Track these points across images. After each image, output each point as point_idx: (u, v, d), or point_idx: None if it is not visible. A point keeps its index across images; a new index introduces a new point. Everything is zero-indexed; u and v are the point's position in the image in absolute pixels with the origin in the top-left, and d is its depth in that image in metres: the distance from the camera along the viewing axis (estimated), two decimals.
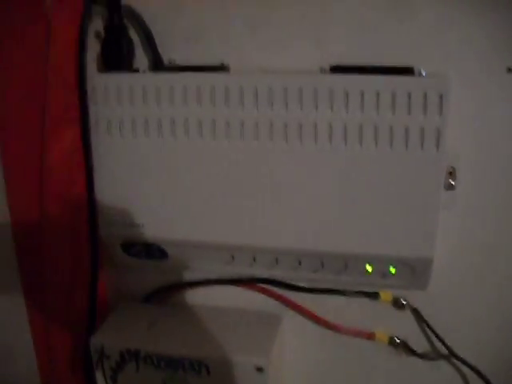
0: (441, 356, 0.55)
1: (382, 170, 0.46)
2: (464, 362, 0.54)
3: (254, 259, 0.52)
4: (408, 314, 0.55)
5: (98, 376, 0.56)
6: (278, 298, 0.56)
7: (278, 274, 0.53)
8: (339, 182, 0.48)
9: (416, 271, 0.50)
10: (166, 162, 0.50)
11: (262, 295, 0.57)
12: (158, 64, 0.51)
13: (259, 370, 0.51)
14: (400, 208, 0.47)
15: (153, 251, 0.55)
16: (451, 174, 0.49)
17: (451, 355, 0.54)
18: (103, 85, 0.50)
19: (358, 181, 0.47)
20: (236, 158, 0.49)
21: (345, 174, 0.47)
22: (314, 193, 0.48)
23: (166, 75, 0.49)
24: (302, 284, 0.55)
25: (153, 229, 0.53)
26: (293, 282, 0.55)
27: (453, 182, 0.50)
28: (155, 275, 0.59)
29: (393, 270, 0.50)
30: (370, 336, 0.56)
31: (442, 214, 0.48)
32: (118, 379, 0.56)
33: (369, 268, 0.50)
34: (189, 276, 0.58)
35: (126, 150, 0.51)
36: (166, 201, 0.52)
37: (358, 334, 0.56)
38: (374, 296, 0.54)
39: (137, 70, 0.52)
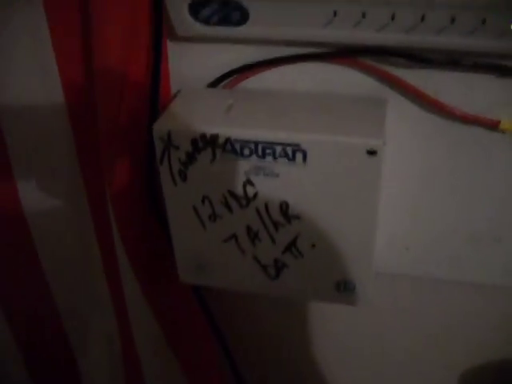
0: None
1: None
2: None
3: (364, 15, 0.40)
4: None
5: (163, 171, 0.46)
6: (380, 74, 0.45)
7: (389, 37, 0.41)
8: None
9: None
10: None
11: (362, 75, 0.46)
12: None
13: (372, 153, 0.41)
14: None
15: (230, 12, 0.43)
16: None
17: None
18: None
19: None
20: None
21: None
22: None
23: None
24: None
25: None
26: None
27: None
28: (229, 53, 0.47)
29: None
30: (494, 124, 0.45)
31: None
32: (188, 174, 0.45)
33: None
34: (271, 54, 0.46)
35: None
36: None
37: (479, 120, 0.45)
38: (505, 71, 0.42)
39: None
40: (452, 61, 0.43)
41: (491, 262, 0.52)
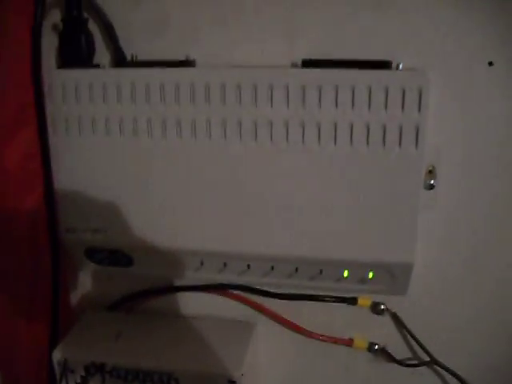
0: (422, 362, 0.53)
1: (358, 170, 0.44)
2: (446, 369, 0.52)
3: (225, 265, 0.50)
4: (387, 319, 0.53)
5: None
6: (251, 304, 0.54)
7: (249, 280, 0.51)
8: (312, 183, 0.45)
9: (395, 276, 0.47)
10: (128, 162, 0.47)
11: (234, 302, 0.54)
12: (119, 59, 0.48)
13: (232, 383, 0.48)
14: (377, 210, 0.45)
15: (118, 258, 0.52)
16: (431, 172, 0.47)
17: (432, 362, 0.52)
18: (61, 82, 0.47)
19: (333, 181, 0.44)
20: (200, 158, 0.46)
21: (318, 174, 0.45)
22: (286, 195, 0.45)
23: (128, 71, 0.47)
24: (275, 290, 0.52)
25: (118, 234, 0.50)
26: (266, 289, 0.52)
27: (433, 182, 0.47)
28: (122, 282, 0.56)
29: (371, 275, 0.47)
30: (349, 342, 0.54)
31: (422, 215, 0.45)
32: None
33: (345, 273, 0.48)
34: (157, 283, 0.55)
35: (86, 151, 0.48)
36: (131, 204, 0.48)
37: (336, 340, 0.53)
38: (351, 301, 0.51)
39: (97, 66, 0.48)
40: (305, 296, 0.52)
41: None
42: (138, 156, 0.47)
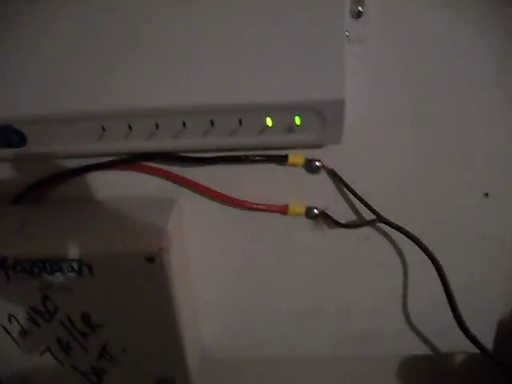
0: (366, 222, 0.47)
1: None
2: (393, 225, 0.47)
3: (130, 128, 0.42)
4: (324, 177, 0.46)
5: None
6: (168, 176, 0.46)
7: (159, 144, 0.43)
8: (224, 18, 0.38)
9: (326, 119, 0.41)
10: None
11: (148, 176, 0.47)
12: None
13: (150, 260, 0.42)
14: (298, 43, 0.38)
15: (9, 137, 0.44)
16: None
17: (378, 219, 0.47)
18: None
19: (247, 15, 0.38)
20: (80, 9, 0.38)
21: (232, 7, 0.37)
22: (195, 33, 0.38)
23: None
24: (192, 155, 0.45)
25: (4, 105, 0.42)
26: (180, 154, 0.45)
27: (361, 8, 0.40)
28: (22, 169, 0.48)
29: (298, 121, 0.41)
30: (283, 209, 0.48)
31: (351, 48, 0.39)
32: None
33: (269, 121, 0.41)
34: (61, 167, 0.47)
35: None
36: (14, 68, 0.40)
37: (269, 208, 0.47)
38: (281, 160, 0.45)
39: None
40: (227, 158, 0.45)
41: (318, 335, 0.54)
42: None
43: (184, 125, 0.41)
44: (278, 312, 0.53)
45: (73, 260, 0.43)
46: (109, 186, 0.48)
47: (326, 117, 0.41)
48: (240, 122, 0.41)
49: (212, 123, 0.41)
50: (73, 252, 0.43)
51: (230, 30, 0.38)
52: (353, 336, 0.55)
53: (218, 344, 0.56)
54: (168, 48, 0.39)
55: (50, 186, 0.49)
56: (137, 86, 0.40)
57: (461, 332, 0.50)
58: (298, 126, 0.41)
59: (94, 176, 0.48)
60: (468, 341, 0.50)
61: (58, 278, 0.44)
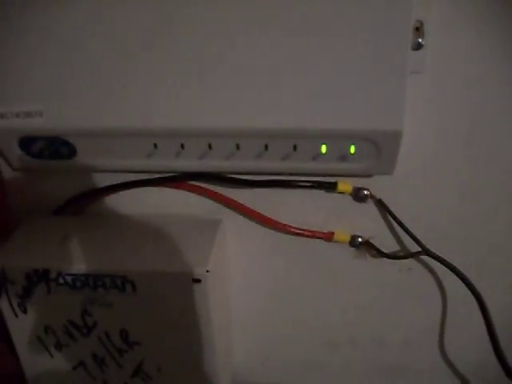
0: (410, 254, 0.47)
1: (336, 26, 0.36)
2: (438, 259, 0.46)
3: (182, 146, 0.42)
4: (371, 207, 0.46)
5: (3, 305, 0.46)
6: (215, 197, 0.46)
7: (211, 164, 0.43)
8: (281, 42, 0.37)
9: (380, 150, 0.40)
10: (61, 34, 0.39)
11: (194, 195, 0.47)
12: None
13: (197, 281, 0.42)
14: (360, 72, 0.38)
15: (58, 148, 0.44)
16: (418, 29, 0.39)
17: (423, 252, 0.46)
18: None
19: (306, 41, 0.37)
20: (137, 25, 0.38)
21: (289, 32, 0.37)
22: (250, 59, 0.38)
23: None
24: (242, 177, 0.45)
25: (55, 117, 0.41)
26: (230, 176, 0.45)
27: (421, 40, 0.40)
28: (67, 182, 0.48)
29: (352, 150, 0.40)
30: (328, 236, 0.47)
31: (410, 79, 0.38)
32: (27, 307, 0.45)
33: (323, 148, 0.40)
34: (106, 180, 0.47)
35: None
36: (69, 80, 0.40)
37: (314, 234, 0.47)
38: (330, 187, 0.45)
39: None
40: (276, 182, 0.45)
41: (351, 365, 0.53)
42: (74, 27, 0.39)
43: (237, 147, 0.41)
44: (312, 339, 0.52)
45: (116, 276, 0.43)
46: (152, 202, 0.48)
47: (381, 147, 0.40)
48: (295, 147, 0.41)
49: (266, 147, 0.41)
50: (117, 268, 0.43)
51: (292, 56, 0.38)
52: (386, 368, 0.54)
53: (248, 368, 0.55)
54: (230, 72, 0.39)
55: (93, 199, 0.49)
56: (194, 106, 0.40)
57: (499, 370, 0.49)
58: (351, 154, 0.41)
59: (137, 192, 0.47)
60: (508, 379, 0.49)
61: (100, 293, 0.44)
